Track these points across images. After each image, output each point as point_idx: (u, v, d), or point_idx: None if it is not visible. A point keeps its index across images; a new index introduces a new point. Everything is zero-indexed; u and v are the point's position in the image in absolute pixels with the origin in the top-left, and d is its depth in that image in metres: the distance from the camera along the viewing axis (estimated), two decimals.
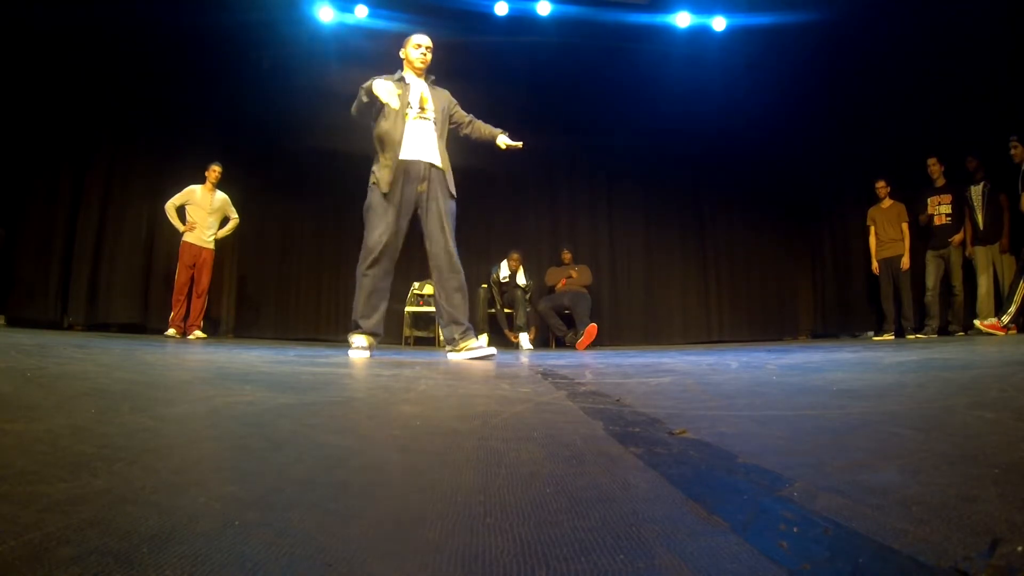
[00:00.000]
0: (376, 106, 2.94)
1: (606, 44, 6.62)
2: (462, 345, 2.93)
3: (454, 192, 3.06)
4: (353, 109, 2.97)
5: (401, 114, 2.94)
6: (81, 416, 0.94)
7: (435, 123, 3.04)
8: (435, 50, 3.15)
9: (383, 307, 2.94)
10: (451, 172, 3.08)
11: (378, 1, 6.19)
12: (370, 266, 2.86)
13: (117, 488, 0.57)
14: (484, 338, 5.68)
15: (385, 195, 2.88)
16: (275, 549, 0.44)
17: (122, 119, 6.07)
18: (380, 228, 2.86)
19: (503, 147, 3.16)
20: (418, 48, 3.05)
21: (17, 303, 5.59)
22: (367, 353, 2.86)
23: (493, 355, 2.99)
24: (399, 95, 2.88)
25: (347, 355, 2.83)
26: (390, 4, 6.12)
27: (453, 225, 3.01)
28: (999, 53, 5.01)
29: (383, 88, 2.79)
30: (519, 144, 3.14)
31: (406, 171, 2.92)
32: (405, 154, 2.92)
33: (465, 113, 3.23)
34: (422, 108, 3.01)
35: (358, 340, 2.89)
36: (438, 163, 3.00)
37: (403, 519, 0.51)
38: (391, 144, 2.91)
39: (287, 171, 6.84)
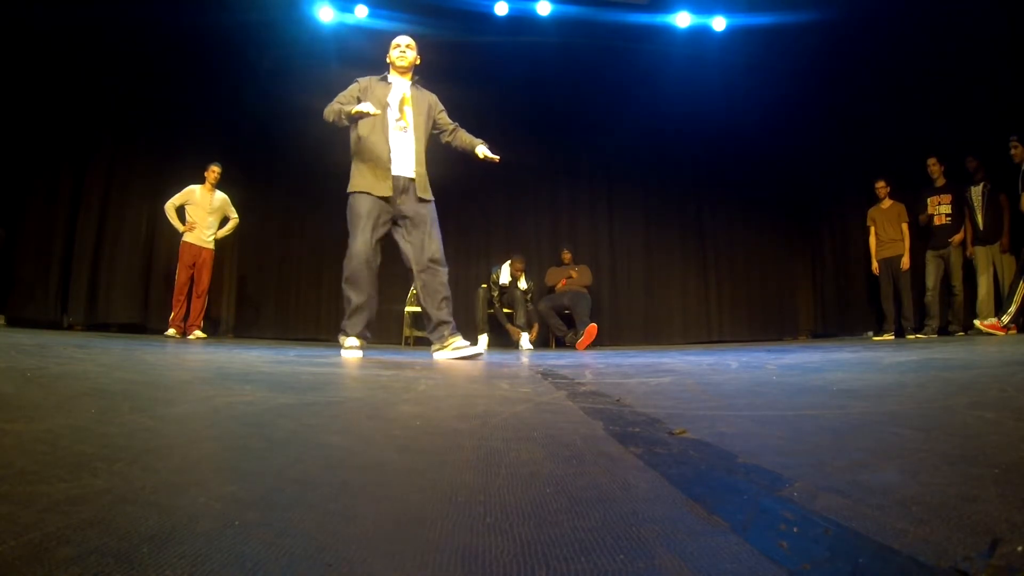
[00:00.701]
0: (366, 90, 2.98)
1: (606, 44, 6.62)
2: (449, 341, 2.95)
3: (431, 195, 3.09)
4: (330, 119, 2.95)
5: (382, 125, 2.96)
6: (81, 416, 0.94)
7: (415, 131, 3.06)
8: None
9: (371, 310, 2.98)
10: (427, 177, 3.09)
11: (378, 1, 6.19)
12: (354, 271, 2.90)
13: (117, 488, 0.57)
14: (484, 338, 5.70)
15: (368, 202, 2.91)
16: (275, 549, 0.44)
17: (122, 119, 6.07)
18: (363, 236, 2.90)
19: (481, 157, 3.13)
20: (396, 47, 3.08)
21: (17, 303, 5.58)
22: (359, 353, 2.92)
23: (480, 355, 3.01)
24: (378, 104, 2.92)
25: (341, 356, 2.87)
26: (390, 4, 6.12)
27: (438, 229, 3.05)
28: (999, 53, 5.01)
29: (364, 106, 2.80)
30: (496, 158, 3.12)
31: (391, 184, 2.95)
32: (393, 169, 2.95)
33: (450, 120, 3.22)
34: (401, 113, 3.02)
35: (350, 341, 2.93)
36: (414, 174, 3.03)
37: (403, 519, 0.51)
38: (379, 158, 2.94)
39: (287, 171, 6.84)
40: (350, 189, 2.98)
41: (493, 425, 0.97)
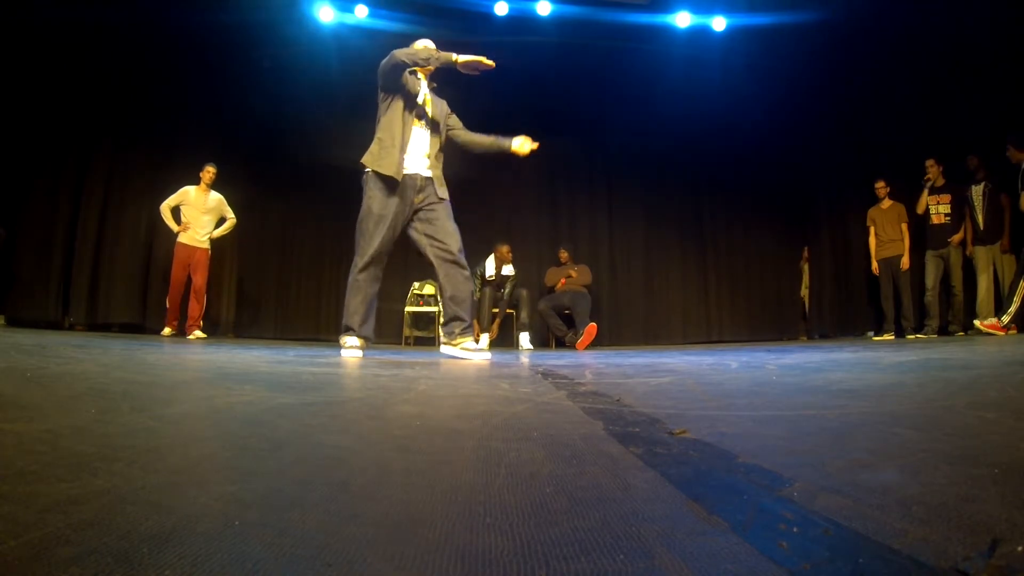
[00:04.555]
0: (404, 76, 2.97)
1: (606, 44, 6.61)
2: (460, 339, 2.95)
3: (447, 195, 3.10)
4: (403, 59, 2.90)
5: (409, 116, 3.00)
6: (81, 416, 0.94)
7: (431, 129, 3.09)
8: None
9: (374, 311, 2.99)
10: (442, 177, 3.12)
11: (378, 1, 6.19)
12: (363, 271, 2.91)
13: (117, 488, 0.57)
14: (485, 337, 5.70)
15: (384, 202, 2.91)
16: (275, 549, 0.44)
17: (122, 119, 6.07)
18: (376, 235, 2.90)
19: (526, 152, 3.14)
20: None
21: (17, 303, 5.58)
22: (360, 353, 2.92)
23: (487, 358, 3.01)
24: (412, 92, 3.01)
25: (341, 355, 2.87)
26: (390, 4, 6.12)
27: (455, 225, 3.06)
28: (999, 53, 5.01)
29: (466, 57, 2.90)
30: (535, 145, 3.11)
31: (406, 182, 2.96)
32: (407, 166, 2.96)
33: (461, 125, 3.25)
34: (424, 111, 3.06)
35: (351, 340, 2.93)
36: (431, 174, 3.05)
37: (403, 519, 0.51)
38: (396, 150, 2.95)
39: (287, 171, 6.84)
40: (365, 160, 2.96)
41: (493, 425, 0.97)
